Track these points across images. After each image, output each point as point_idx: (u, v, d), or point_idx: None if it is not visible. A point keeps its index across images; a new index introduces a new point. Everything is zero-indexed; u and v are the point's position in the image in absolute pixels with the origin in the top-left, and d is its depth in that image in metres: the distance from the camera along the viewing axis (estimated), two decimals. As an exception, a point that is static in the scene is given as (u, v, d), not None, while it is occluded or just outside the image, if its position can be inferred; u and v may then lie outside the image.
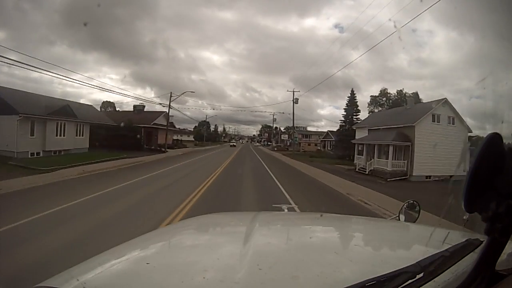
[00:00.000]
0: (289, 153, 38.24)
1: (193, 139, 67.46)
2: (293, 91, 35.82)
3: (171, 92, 30.76)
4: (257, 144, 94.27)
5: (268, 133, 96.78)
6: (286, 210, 3.61)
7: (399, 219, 1.69)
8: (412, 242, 1.26)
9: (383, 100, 44.01)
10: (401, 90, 43.12)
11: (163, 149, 28.96)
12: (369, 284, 0.66)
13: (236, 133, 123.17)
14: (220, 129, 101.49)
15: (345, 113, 36.31)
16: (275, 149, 56.44)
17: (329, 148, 39.81)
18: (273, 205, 5.36)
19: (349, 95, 36.94)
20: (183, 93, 32.71)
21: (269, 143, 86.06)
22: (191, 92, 36.42)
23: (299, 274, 0.83)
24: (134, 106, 35.91)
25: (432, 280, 0.71)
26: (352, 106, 35.76)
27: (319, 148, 46.42)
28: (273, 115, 63.30)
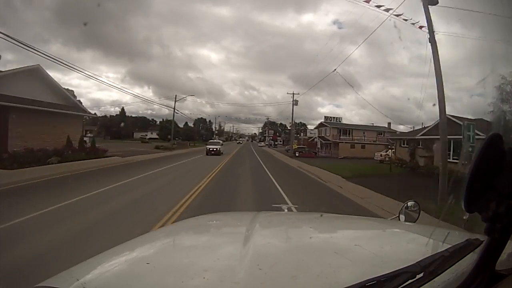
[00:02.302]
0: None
1: (158, 137, 50.05)
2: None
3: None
4: (261, 144, 72.37)
5: (274, 130, 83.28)
6: (285, 210, 3.61)
7: (399, 219, 1.69)
8: (412, 242, 1.26)
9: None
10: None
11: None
12: (369, 284, 0.66)
13: (236, 131, 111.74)
14: (216, 126, 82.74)
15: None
16: (296, 154, 33.11)
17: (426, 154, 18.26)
18: (273, 205, 5.33)
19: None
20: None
21: (276, 143, 72.19)
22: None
23: (299, 274, 0.83)
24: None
25: (432, 280, 0.71)
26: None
27: (381, 154, 24.42)
28: (293, 94, 38.50)
